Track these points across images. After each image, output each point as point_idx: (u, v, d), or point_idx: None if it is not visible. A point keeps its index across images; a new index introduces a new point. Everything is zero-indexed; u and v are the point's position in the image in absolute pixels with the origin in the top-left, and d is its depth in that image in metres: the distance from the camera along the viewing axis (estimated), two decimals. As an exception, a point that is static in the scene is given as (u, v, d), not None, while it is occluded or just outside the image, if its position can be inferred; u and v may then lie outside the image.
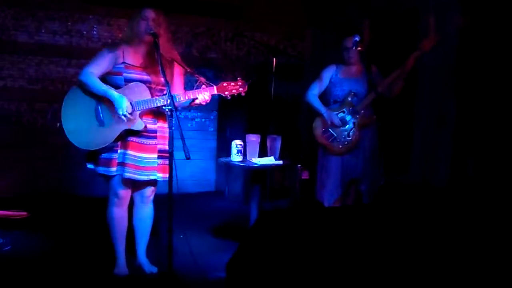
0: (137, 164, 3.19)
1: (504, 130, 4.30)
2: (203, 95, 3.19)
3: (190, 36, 6.00)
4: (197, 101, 3.24)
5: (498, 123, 4.35)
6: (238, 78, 3.24)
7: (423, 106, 4.99)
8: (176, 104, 3.12)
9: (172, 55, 3.28)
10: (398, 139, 5.09)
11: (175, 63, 3.31)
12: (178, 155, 2.88)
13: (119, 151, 3.18)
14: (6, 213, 4.54)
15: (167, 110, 2.93)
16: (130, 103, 3.11)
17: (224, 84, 3.21)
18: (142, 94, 3.15)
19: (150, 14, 3.17)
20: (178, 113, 2.95)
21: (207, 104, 3.35)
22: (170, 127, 2.93)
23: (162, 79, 3.02)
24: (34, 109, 5.37)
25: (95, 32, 5.53)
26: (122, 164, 3.18)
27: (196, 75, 3.26)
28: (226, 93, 3.20)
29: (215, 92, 3.20)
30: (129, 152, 3.18)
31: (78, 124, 3.16)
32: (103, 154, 3.18)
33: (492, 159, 4.39)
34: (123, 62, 3.17)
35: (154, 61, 3.13)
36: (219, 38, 6.16)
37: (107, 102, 3.14)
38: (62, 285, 3.24)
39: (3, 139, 5.24)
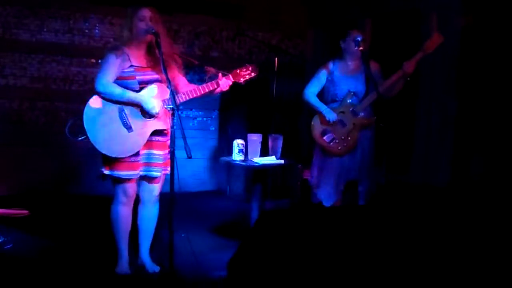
0: (158, 162, 3.25)
1: (506, 130, 4.30)
2: (224, 82, 3.28)
3: (192, 35, 6.00)
4: (218, 90, 3.32)
5: (500, 123, 4.35)
6: (246, 64, 3.37)
7: (425, 105, 4.99)
8: (199, 94, 3.24)
9: (173, 50, 3.30)
10: (400, 138, 5.09)
11: (177, 57, 3.32)
12: (180, 154, 2.88)
13: (141, 152, 3.20)
14: (7, 211, 4.55)
15: (169, 109, 2.94)
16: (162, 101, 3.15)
17: (238, 71, 3.34)
18: (164, 93, 3.17)
19: (147, 13, 3.16)
20: (180, 112, 2.96)
21: (208, 103, 3.39)
22: (172, 126, 2.95)
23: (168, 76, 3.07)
24: (36, 108, 5.37)
25: (97, 31, 5.53)
26: (147, 164, 3.21)
27: (206, 67, 3.31)
28: (241, 79, 3.33)
29: (232, 80, 3.31)
30: (154, 151, 3.22)
31: (107, 134, 3.11)
32: (130, 158, 3.16)
33: (495, 159, 4.39)
34: (131, 65, 3.16)
35: (157, 59, 3.14)
36: (220, 37, 6.16)
37: (131, 107, 3.14)
38: (64, 283, 3.24)
39: (4, 137, 5.24)
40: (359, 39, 3.92)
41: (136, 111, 3.15)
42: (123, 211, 3.33)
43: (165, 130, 3.25)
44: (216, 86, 3.27)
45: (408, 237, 2.73)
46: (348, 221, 3.02)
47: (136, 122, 3.15)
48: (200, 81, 3.32)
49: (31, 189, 5.28)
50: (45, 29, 5.34)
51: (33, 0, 5.28)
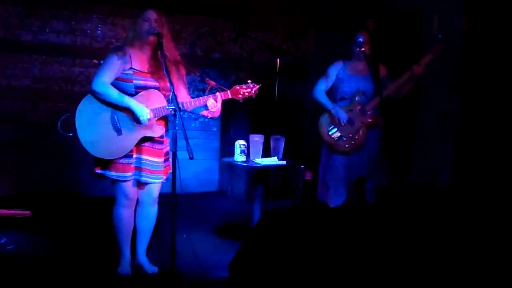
0: (151, 169, 3.22)
1: (509, 130, 4.29)
2: (212, 101, 3.17)
3: (194, 36, 6.00)
4: (205, 111, 3.23)
5: (503, 123, 4.34)
6: (248, 81, 3.25)
7: (427, 106, 4.99)
8: (187, 110, 3.17)
9: (176, 56, 3.28)
10: (402, 139, 5.08)
11: (180, 65, 3.31)
12: (182, 155, 2.88)
13: (134, 156, 3.19)
14: (9, 212, 4.55)
15: (171, 110, 2.93)
16: (152, 110, 3.11)
17: (237, 88, 3.22)
18: (159, 100, 3.15)
19: (152, 15, 3.16)
20: (181, 113, 2.95)
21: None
22: (173, 127, 2.94)
23: (169, 84, 3.02)
24: (38, 108, 5.38)
25: (99, 32, 5.54)
26: (138, 168, 3.19)
27: (207, 79, 3.26)
28: (240, 96, 3.22)
29: (230, 96, 3.21)
30: (144, 157, 3.20)
31: (96, 135, 3.11)
32: (120, 160, 3.15)
33: (497, 159, 4.39)
34: (131, 68, 3.14)
35: (160, 66, 3.11)
36: (222, 38, 6.17)
37: (124, 111, 3.12)
38: (65, 284, 3.24)
39: (7, 138, 5.24)
40: (360, 40, 3.94)
41: (128, 116, 3.12)
42: (125, 213, 3.33)
43: (158, 137, 3.22)
44: (202, 104, 3.19)
45: (411, 237, 2.72)
46: (350, 221, 3.02)
47: (126, 127, 3.13)
48: (201, 91, 3.27)
49: (33, 189, 5.28)
50: (47, 30, 5.34)
51: (35, 0, 5.29)
